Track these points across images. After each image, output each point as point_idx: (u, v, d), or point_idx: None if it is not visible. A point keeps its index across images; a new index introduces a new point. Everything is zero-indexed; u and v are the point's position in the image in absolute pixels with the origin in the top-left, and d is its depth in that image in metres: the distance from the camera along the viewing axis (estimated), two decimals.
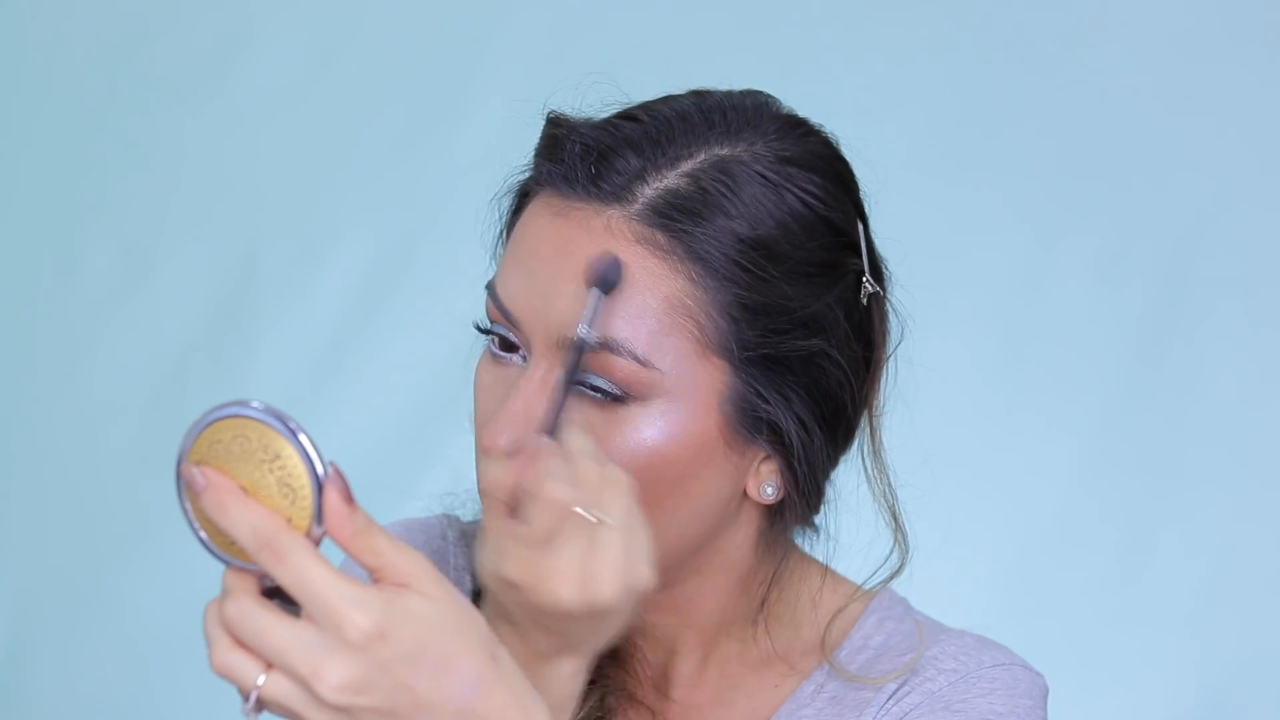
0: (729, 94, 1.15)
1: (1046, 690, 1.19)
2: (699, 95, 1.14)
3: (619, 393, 1.07)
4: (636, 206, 1.08)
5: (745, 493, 1.13)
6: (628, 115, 1.12)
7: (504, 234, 1.17)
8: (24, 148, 2.70)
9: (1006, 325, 2.39)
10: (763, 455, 1.12)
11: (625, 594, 1.00)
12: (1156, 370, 2.36)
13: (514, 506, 1.01)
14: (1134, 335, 2.37)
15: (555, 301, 1.08)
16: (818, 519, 1.20)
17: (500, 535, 1.01)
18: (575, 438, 1.03)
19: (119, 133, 2.66)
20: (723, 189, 1.09)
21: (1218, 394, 2.34)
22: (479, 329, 1.14)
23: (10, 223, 2.69)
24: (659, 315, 1.07)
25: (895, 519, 1.18)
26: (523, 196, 1.15)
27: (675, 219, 1.08)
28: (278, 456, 0.88)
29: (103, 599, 2.58)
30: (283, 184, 2.62)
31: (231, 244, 2.62)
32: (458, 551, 1.27)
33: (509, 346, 1.11)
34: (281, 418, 0.88)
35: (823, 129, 1.15)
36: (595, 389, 1.07)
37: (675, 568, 1.11)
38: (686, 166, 1.10)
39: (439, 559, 1.27)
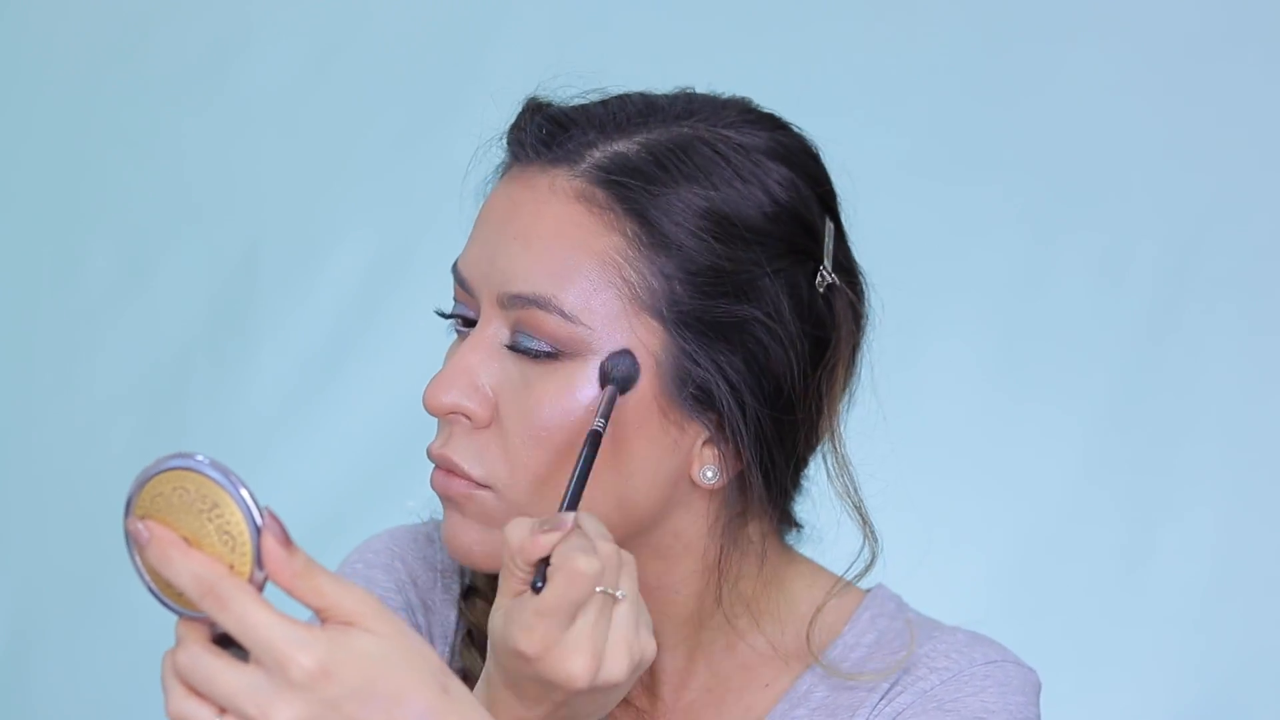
0: (715, 95, 1.16)
1: (1039, 686, 1.18)
2: (686, 94, 1.15)
3: (550, 350, 1.09)
4: (583, 166, 1.10)
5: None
6: (604, 101, 1.14)
7: None
8: (23, 147, 2.70)
9: (1007, 323, 2.38)
10: (704, 437, 1.12)
11: (633, 670, 1.01)
12: (1158, 368, 2.36)
13: (531, 579, 1.01)
14: (1135, 333, 2.36)
15: (498, 260, 1.10)
16: (801, 515, 1.20)
17: (518, 607, 1.00)
18: (587, 518, 1.03)
19: (118, 132, 2.66)
20: (671, 155, 1.10)
21: (1219, 392, 2.34)
22: (439, 314, 1.15)
23: (10, 223, 2.69)
24: (588, 273, 1.09)
25: (861, 515, 1.17)
26: None
27: (616, 177, 1.09)
28: (215, 505, 0.89)
29: (103, 599, 2.58)
30: (283, 184, 2.62)
31: (231, 244, 2.62)
32: (446, 555, 1.26)
33: (470, 324, 1.13)
34: (217, 466, 0.89)
35: (804, 133, 1.16)
36: (527, 350, 1.09)
37: (624, 543, 1.11)
38: (641, 137, 1.11)
39: (427, 565, 1.27)
